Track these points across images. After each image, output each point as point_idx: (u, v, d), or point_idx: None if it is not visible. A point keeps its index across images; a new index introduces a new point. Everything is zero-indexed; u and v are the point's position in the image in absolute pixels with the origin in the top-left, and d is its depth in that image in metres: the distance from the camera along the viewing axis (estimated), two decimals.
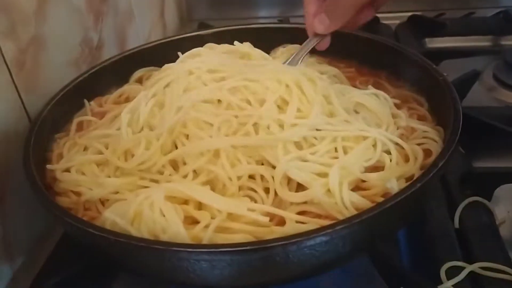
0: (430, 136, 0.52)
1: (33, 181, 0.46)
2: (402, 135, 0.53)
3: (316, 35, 0.61)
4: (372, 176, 0.47)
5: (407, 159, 0.49)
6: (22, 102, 0.61)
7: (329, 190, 0.45)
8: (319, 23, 0.59)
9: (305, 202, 0.45)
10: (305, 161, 0.48)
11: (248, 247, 0.37)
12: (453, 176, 0.62)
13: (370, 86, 0.60)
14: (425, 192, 0.46)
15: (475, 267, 0.49)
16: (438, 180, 0.60)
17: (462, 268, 0.49)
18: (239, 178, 0.47)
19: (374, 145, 0.49)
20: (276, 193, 0.46)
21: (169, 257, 0.38)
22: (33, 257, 0.61)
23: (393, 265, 0.48)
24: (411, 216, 0.50)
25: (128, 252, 0.40)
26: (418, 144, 0.51)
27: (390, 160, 0.49)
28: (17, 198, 0.59)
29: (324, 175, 0.46)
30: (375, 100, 0.56)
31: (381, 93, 0.58)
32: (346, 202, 0.44)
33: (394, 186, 0.44)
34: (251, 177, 0.48)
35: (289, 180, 0.47)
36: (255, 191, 0.46)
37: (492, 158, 0.68)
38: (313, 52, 0.64)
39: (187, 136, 0.49)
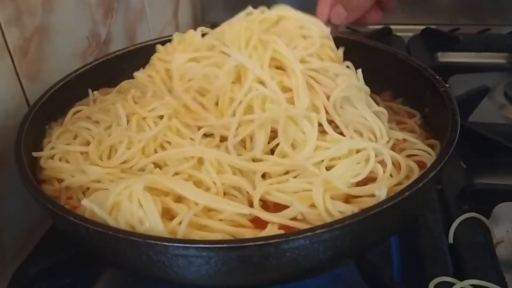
0: (422, 148, 0.50)
1: (21, 166, 0.46)
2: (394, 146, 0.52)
3: (328, 23, 0.61)
4: (361, 190, 0.46)
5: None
6: (23, 90, 0.62)
7: (313, 204, 0.44)
8: (336, 14, 0.60)
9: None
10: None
11: (224, 245, 0.36)
12: (452, 190, 0.61)
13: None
14: (414, 202, 0.45)
15: (466, 284, 0.48)
16: (434, 193, 0.59)
17: (452, 284, 0.48)
18: (223, 184, 0.46)
19: (367, 160, 0.48)
20: None
21: (145, 249, 0.37)
22: (23, 245, 0.61)
23: (381, 276, 0.47)
24: (399, 226, 0.48)
25: (106, 242, 0.39)
26: (411, 156, 0.50)
27: (384, 172, 0.48)
28: (11, 186, 0.59)
29: (306, 191, 0.45)
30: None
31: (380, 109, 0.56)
32: (332, 211, 0.43)
33: (383, 194, 0.43)
34: (235, 189, 0.47)
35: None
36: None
37: (494, 175, 0.66)
38: None
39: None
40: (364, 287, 0.49)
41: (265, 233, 0.41)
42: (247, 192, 0.46)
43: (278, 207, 0.45)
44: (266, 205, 0.46)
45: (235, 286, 0.43)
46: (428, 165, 0.46)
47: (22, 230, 0.62)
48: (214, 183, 0.46)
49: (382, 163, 0.48)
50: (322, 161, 0.47)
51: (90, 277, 0.55)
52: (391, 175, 0.48)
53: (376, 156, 0.48)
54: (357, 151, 0.49)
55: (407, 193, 0.40)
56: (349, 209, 0.43)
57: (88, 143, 0.52)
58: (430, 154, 0.50)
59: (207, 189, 0.45)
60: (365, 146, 0.48)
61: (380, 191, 0.43)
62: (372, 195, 0.45)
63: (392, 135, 0.53)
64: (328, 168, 0.47)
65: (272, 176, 0.47)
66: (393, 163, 0.48)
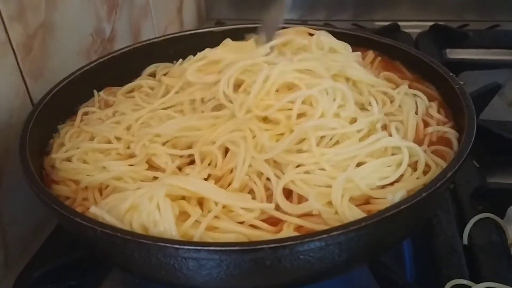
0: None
1: (25, 165, 0.45)
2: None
3: None
4: (379, 193, 0.44)
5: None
6: (27, 88, 0.60)
7: (330, 203, 0.43)
8: None
9: (305, 216, 0.43)
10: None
11: (236, 247, 0.35)
12: (466, 190, 0.59)
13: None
14: (430, 203, 0.44)
15: (482, 286, 0.46)
16: (446, 193, 0.58)
17: (468, 287, 0.47)
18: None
19: (399, 164, 0.46)
20: None
21: (155, 252, 0.36)
22: (29, 245, 0.60)
23: (395, 279, 0.46)
24: (414, 228, 0.47)
25: (114, 245, 0.38)
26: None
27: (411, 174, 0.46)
28: (16, 185, 0.58)
29: (327, 187, 0.44)
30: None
31: (419, 94, 0.56)
32: (347, 215, 0.41)
33: (395, 199, 0.41)
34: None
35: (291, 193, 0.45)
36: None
37: (507, 174, 0.65)
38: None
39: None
40: None
41: (279, 236, 0.39)
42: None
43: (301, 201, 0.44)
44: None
45: None
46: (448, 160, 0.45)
47: (27, 231, 0.61)
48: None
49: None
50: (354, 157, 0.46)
51: (95, 279, 0.53)
52: (417, 178, 0.46)
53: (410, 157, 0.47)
54: (392, 153, 0.47)
55: (424, 194, 0.38)
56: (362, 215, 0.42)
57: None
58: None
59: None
60: (398, 145, 0.47)
61: (394, 196, 0.42)
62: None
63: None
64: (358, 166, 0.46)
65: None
66: None
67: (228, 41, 0.67)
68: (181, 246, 0.35)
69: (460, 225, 0.55)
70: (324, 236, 0.35)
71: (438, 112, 0.54)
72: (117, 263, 0.44)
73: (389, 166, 0.46)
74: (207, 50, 0.63)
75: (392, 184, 0.44)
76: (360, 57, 0.63)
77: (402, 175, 0.45)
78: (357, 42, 0.66)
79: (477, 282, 0.47)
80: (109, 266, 0.54)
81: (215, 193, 0.43)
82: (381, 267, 0.47)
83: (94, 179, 0.48)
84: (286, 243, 0.35)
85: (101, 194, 0.48)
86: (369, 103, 0.53)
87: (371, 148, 0.46)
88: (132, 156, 0.50)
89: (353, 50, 0.67)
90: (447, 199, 0.57)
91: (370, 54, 0.66)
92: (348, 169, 0.45)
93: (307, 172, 0.45)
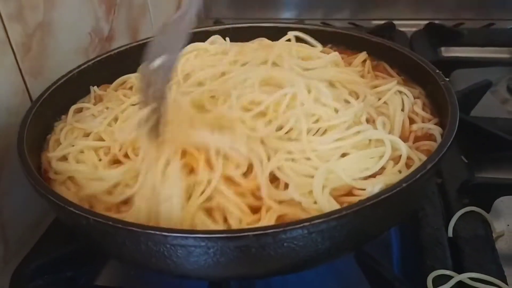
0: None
1: (23, 159, 0.47)
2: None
3: None
4: (361, 184, 0.45)
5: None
6: (26, 86, 0.62)
7: (311, 192, 0.44)
8: None
9: (287, 203, 0.44)
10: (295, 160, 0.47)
11: (222, 235, 0.36)
12: (453, 185, 0.61)
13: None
14: (411, 195, 0.45)
15: (464, 277, 0.48)
16: (433, 187, 0.59)
17: (451, 278, 0.48)
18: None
19: (381, 156, 0.48)
20: None
21: (144, 239, 0.38)
22: (27, 240, 0.61)
23: (380, 270, 0.48)
24: (397, 219, 0.48)
25: (106, 233, 0.40)
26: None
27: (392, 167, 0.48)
28: (15, 181, 0.60)
29: (311, 177, 0.45)
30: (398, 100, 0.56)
31: (405, 91, 0.58)
32: (325, 207, 0.43)
33: (374, 190, 0.43)
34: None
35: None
36: None
37: (495, 169, 0.66)
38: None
39: None
40: (363, 280, 0.49)
41: (261, 222, 0.41)
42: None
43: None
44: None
45: (234, 277, 0.43)
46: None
47: (26, 226, 0.63)
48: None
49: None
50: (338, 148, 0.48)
51: (92, 271, 0.55)
52: (399, 171, 0.47)
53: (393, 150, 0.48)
54: (375, 146, 0.49)
55: (404, 185, 0.40)
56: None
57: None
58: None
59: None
60: (382, 137, 0.49)
61: (373, 187, 0.43)
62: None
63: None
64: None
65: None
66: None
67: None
68: (169, 234, 0.36)
69: (447, 218, 0.56)
70: (306, 224, 0.37)
71: (423, 110, 0.56)
72: (111, 252, 0.46)
73: (372, 158, 0.47)
74: None
75: (374, 176, 0.46)
76: (338, 57, 0.64)
77: (384, 168, 0.46)
78: (346, 41, 0.68)
79: (460, 273, 0.48)
80: (105, 258, 0.56)
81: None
82: (367, 258, 0.49)
83: (95, 189, 0.48)
84: (269, 231, 0.36)
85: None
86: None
87: (356, 139, 0.48)
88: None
89: (345, 51, 0.69)
90: (434, 193, 0.59)
91: (362, 55, 0.67)
92: (331, 159, 0.47)
93: (293, 160, 0.46)
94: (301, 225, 0.37)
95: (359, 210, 0.38)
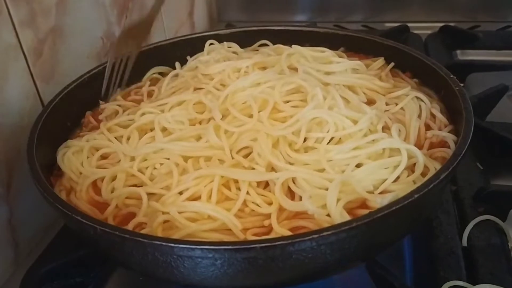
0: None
1: (32, 166, 0.47)
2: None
3: None
4: (373, 196, 0.44)
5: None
6: (37, 91, 0.62)
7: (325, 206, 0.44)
8: None
9: (301, 216, 0.44)
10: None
11: (229, 246, 0.36)
12: (468, 192, 0.59)
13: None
14: (424, 205, 0.44)
15: None
16: (447, 194, 0.58)
17: None
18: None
19: (396, 166, 0.47)
20: None
21: (151, 250, 0.37)
22: (37, 244, 0.62)
23: (391, 280, 0.47)
24: (409, 229, 0.47)
25: (113, 243, 0.39)
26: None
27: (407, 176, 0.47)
28: (26, 185, 0.60)
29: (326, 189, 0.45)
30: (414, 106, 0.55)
31: (423, 97, 0.57)
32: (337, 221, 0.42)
33: (384, 202, 0.42)
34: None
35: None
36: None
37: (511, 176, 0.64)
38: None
39: None
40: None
41: (272, 234, 0.40)
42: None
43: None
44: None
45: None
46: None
47: (37, 229, 0.63)
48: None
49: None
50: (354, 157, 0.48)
51: (101, 276, 0.55)
52: (414, 182, 0.46)
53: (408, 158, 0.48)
54: (390, 154, 0.48)
55: (416, 196, 0.39)
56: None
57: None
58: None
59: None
60: (398, 146, 0.48)
61: (382, 200, 0.42)
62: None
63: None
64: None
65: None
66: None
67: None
68: (176, 245, 0.36)
69: (461, 227, 0.55)
70: (315, 236, 0.36)
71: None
72: (118, 261, 0.46)
73: (386, 168, 0.46)
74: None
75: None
76: (360, 65, 0.64)
77: (398, 177, 0.45)
78: (358, 44, 0.67)
79: (474, 284, 0.47)
80: (114, 264, 0.56)
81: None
82: (378, 267, 0.48)
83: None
84: (277, 243, 0.36)
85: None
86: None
87: (372, 148, 0.47)
88: None
89: (357, 54, 0.68)
90: (448, 201, 0.58)
91: (380, 61, 0.67)
92: (346, 170, 0.46)
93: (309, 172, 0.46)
94: (310, 237, 0.36)
95: (369, 222, 0.37)
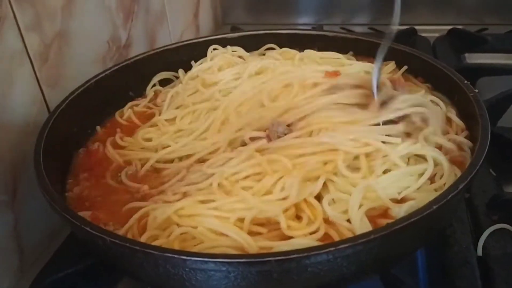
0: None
1: (39, 173, 0.46)
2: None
3: None
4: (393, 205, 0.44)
5: None
6: (43, 96, 0.61)
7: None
8: None
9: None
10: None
11: (243, 260, 0.35)
12: (481, 200, 0.58)
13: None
14: (441, 215, 0.43)
15: None
16: (462, 203, 0.57)
17: None
18: None
19: (421, 174, 0.47)
20: None
21: (163, 262, 0.36)
22: (42, 251, 0.61)
23: None
24: (425, 239, 0.46)
25: (123, 254, 0.38)
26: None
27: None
28: (31, 192, 0.59)
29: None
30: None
31: (438, 101, 0.56)
32: (357, 227, 0.42)
33: (399, 214, 0.41)
34: None
35: None
36: None
37: None
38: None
39: None
40: None
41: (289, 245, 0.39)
42: None
43: None
44: None
45: None
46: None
47: (42, 237, 0.62)
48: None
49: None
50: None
51: (107, 285, 0.54)
52: (435, 190, 0.46)
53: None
54: (415, 161, 0.48)
55: (434, 207, 0.38)
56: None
57: None
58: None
59: None
60: (425, 153, 0.47)
61: (399, 210, 0.41)
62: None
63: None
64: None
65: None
66: None
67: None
68: (189, 258, 0.35)
69: (475, 235, 0.54)
70: (332, 249, 0.35)
71: None
72: (127, 272, 0.45)
73: (411, 176, 0.46)
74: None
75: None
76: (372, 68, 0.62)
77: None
78: (368, 48, 0.66)
79: None
80: (122, 274, 0.55)
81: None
82: (392, 279, 0.47)
83: None
84: (292, 256, 0.34)
85: None
86: None
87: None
88: None
89: (367, 57, 0.68)
90: (462, 209, 0.56)
91: (391, 65, 0.66)
92: (374, 174, 0.45)
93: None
94: (326, 250, 0.35)
95: (387, 235, 0.36)
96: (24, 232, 0.59)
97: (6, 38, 0.55)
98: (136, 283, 0.54)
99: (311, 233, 0.42)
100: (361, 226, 0.42)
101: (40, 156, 0.48)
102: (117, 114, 0.66)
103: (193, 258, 0.35)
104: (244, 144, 0.53)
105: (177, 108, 0.64)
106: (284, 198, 0.44)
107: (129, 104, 0.68)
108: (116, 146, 0.59)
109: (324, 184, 0.46)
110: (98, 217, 0.47)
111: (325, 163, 0.47)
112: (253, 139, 0.53)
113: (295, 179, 0.45)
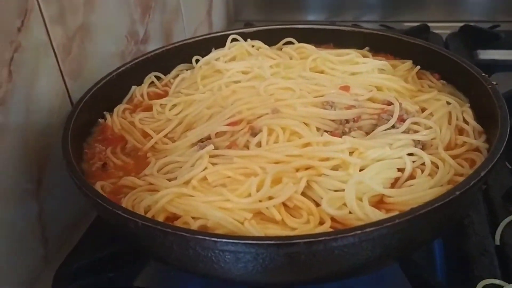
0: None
1: (69, 162, 0.47)
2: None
3: None
4: (395, 194, 0.45)
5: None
6: (66, 88, 0.63)
7: (344, 205, 0.44)
8: None
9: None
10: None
11: (272, 241, 0.36)
12: (498, 191, 0.59)
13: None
14: (463, 202, 0.44)
15: None
16: (479, 193, 0.58)
17: (500, 287, 0.47)
18: None
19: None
20: None
21: (193, 245, 0.37)
22: (66, 240, 0.62)
23: (426, 277, 0.46)
24: (446, 226, 0.47)
25: (154, 237, 0.39)
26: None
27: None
28: (55, 182, 0.60)
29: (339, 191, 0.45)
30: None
31: (452, 101, 0.57)
32: (371, 216, 0.42)
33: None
34: None
35: None
36: None
37: None
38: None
39: None
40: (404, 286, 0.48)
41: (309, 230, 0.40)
42: None
43: None
44: None
45: (280, 283, 0.43)
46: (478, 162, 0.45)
47: (65, 226, 0.63)
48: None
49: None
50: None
51: (132, 272, 0.55)
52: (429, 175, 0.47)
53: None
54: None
55: (457, 193, 0.39)
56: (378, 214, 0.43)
57: None
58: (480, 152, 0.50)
59: None
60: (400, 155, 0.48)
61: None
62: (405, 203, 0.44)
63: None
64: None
65: None
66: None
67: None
68: (219, 239, 0.36)
69: (492, 225, 0.55)
70: (358, 232, 0.36)
71: None
72: (156, 255, 0.46)
73: (389, 168, 0.47)
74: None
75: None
76: (387, 65, 0.64)
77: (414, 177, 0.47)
78: (384, 43, 0.67)
79: (509, 282, 0.47)
80: (145, 259, 0.56)
81: None
82: (412, 266, 0.47)
83: None
84: (320, 238, 0.35)
85: None
86: None
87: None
88: None
89: (388, 56, 0.69)
90: (479, 200, 0.57)
91: (408, 63, 0.67)
92: (353, 171, 0.46)
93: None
94: (353, 233, 0.36)
95: (411, 219, 0.37)
96: (49, 222, 0.60)
97: (33, 30, 0.56)
98: (160, 269, 0.56)
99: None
100: (375, 214, 0.43)
101: (69, 145, 0.49)
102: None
103: (223, 240, 0.36)
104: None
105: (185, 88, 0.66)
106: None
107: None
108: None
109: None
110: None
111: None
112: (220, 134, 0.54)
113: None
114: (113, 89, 0.64)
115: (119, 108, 0.63)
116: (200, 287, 0.54)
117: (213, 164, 0.48)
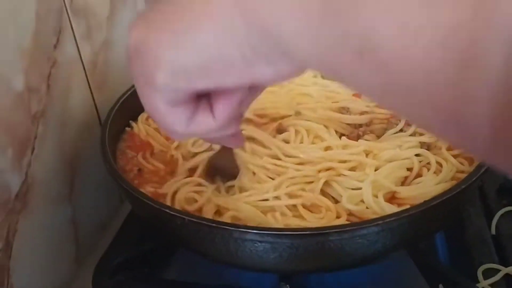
0: None
1: (109, 165, 0.52)
2: None
3: None
4: (405, 190, 0.51)
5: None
6: (93, 100, 0.67)
7: (361, 201, 0.50)
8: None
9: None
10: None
11: (307, 232, 0.41)
12: (491, 186, 0.65)
13: None
14: (466, 195, 0.50)
15: (511, 270, 0.53)
16: (476, 189, 0.64)
17: (498, 271, 0.53)
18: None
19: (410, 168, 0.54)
20: None
21: (235, 237, 0.43)
22: (95, 242, 0.67)
23: (432, 263, 0.52)
24: (452, 217, 0.53)
25: (198, 231, 0.45)
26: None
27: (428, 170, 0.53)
28: (86, 185, 0.65)
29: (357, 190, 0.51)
30: None
31: None
32: (384, 208, 0.48)
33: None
34: None
35: None
36: None
37: None
38: None
39: None
40: (412, 272, 0.53)
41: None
42: None
43: None
44: None
45: (308, 270, 0.48)
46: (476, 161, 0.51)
47: (94, 228, 0.68)
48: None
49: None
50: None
51: (162, 267, 0.60)
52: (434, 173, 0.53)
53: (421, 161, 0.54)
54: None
55: (463, 186, 0.45)
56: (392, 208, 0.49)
57: None
58: None
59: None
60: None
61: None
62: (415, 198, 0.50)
63: None
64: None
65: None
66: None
67: None
68: (260, 232, 0.41)
69: (488, 217, 0.61)
70: (380, 222, 0.42)
71: None
72: (195, 249, 0.50)
73: (400, 168, 0.53)
74: None
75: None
76: None
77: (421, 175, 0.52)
78: None
79: (506, 266, 0.53)
80: (172, 254, 0.61)
81: None
82: (420, 254, 0.53)
83: None
84: (348, 228, 0.41)
85: None
86: None
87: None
88: None
89: None
90: (476, 195, 0.63)
91: None
92: (369, 172, 0.52)
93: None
94: (375, 223, 0.42)
95: (425, 210, 0.43)
96: (80, 224, 0.65)
97: (66, 46, 0.61)
98: (186, 262, 0.60)
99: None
100: (390, 208, 0.48)
101: (108, 151, 0.54)
102: None
103: (265, 232, 0.41)
104: None
105: None
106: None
107: None
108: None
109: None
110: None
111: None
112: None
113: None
114: (136, 98, 0.68)
115: (142, 116, 0.68)
116: (228, 277, 0.58)
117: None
